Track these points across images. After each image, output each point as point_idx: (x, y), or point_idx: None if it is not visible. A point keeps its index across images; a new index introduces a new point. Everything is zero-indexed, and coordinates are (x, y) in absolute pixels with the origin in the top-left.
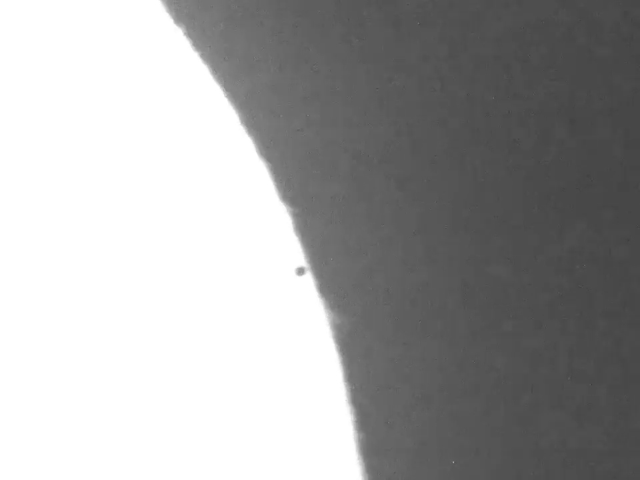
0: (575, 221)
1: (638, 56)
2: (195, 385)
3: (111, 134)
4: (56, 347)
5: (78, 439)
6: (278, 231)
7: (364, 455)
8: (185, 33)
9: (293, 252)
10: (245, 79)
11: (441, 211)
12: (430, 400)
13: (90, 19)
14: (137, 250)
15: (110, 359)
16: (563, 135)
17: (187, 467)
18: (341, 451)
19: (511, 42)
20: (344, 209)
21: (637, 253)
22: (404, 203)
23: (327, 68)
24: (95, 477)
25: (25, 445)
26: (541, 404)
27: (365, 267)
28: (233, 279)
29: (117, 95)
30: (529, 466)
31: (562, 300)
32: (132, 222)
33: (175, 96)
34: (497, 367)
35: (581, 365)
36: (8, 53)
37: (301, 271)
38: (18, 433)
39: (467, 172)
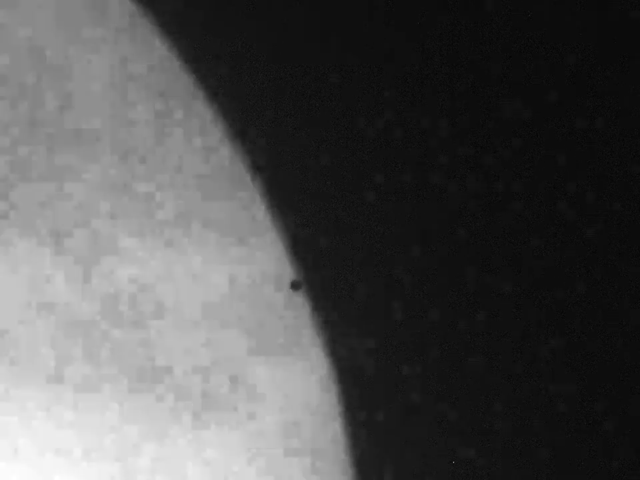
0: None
1: None
2: (183, 395)
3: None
4: None
5: None
6: (272, 244)
7: (359, 469)
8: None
9: (288, 266)
10: (241, 88)
11: (438, 224)
12: (425, 411)
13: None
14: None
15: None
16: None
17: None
18: (335, 466)
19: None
20: (339, 221)
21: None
22: (400, 215)
23: (328, 79)
24: None
25: None
26: (536, 407)
27: (360, 279)
28: (227, 292)
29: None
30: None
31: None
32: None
33: (169, 104)
34: (494, 375)
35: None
36: None
37: (296, 285)
38: None
39: (468, 183)
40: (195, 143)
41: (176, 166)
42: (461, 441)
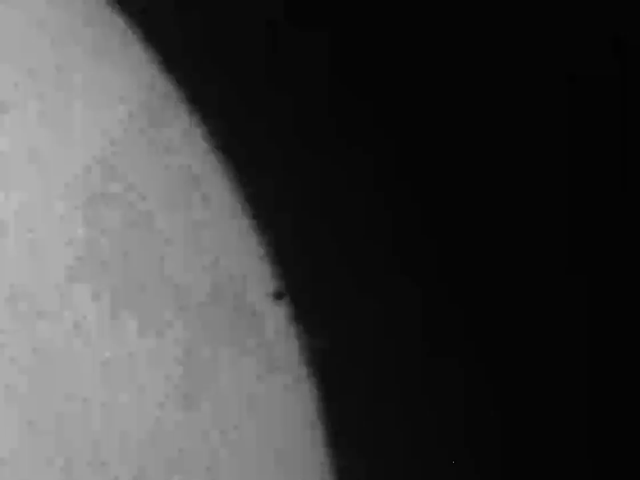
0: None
1: None
2: (171, 404)
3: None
4: None
5: None
6: (255, 255)
7: None
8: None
9: (270, 276)
10: (217, 92)
11: (423, 232)
12: (413, 422)
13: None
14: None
15: None
16: None
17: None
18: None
19: None
20: (323, 231)
21: None
22: (386, 224)
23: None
24: None
25: None
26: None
27: (344, 290)
28: (212, 303)
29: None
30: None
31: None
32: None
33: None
34: (479, 384)
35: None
36: None
37: (278, 295)
38: None
39: (454, 193)
40: (169, 154)
41: (154, 175)
42: None
